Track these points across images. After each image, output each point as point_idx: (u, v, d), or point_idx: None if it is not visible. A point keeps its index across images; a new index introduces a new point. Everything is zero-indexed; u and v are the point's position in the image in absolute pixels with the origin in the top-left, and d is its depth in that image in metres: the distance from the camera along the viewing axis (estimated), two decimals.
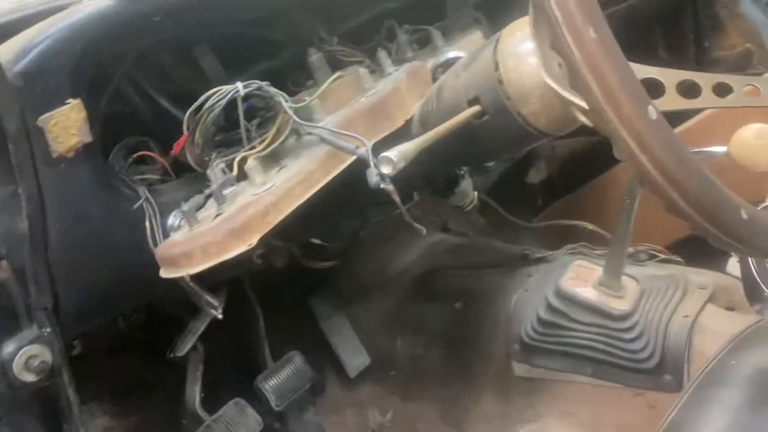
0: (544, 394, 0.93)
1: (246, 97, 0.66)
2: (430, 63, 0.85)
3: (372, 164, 0.60)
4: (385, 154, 0.57)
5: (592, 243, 1.01)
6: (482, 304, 1.00)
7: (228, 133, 0.72)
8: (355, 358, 1.02)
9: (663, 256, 0.97)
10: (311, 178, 0.64)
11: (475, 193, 0.97)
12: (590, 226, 1.00)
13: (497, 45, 0.66)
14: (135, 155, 0.73)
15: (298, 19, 0.83)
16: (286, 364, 0.96)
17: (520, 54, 0.64)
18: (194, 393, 0.89)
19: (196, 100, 0.72)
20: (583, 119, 0.57)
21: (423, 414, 1.00)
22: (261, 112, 0.70)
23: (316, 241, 0.92)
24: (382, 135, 0.70)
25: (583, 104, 0.50)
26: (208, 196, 0.66)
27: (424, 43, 0.91)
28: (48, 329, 0.64)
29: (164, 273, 0.63)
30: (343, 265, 1.03)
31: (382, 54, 0.83)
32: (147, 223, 0.68)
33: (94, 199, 0.65)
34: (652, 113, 0.47)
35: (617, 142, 0.48)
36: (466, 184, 0.94)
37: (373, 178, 0.60)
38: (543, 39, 0.57)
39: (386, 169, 0.57)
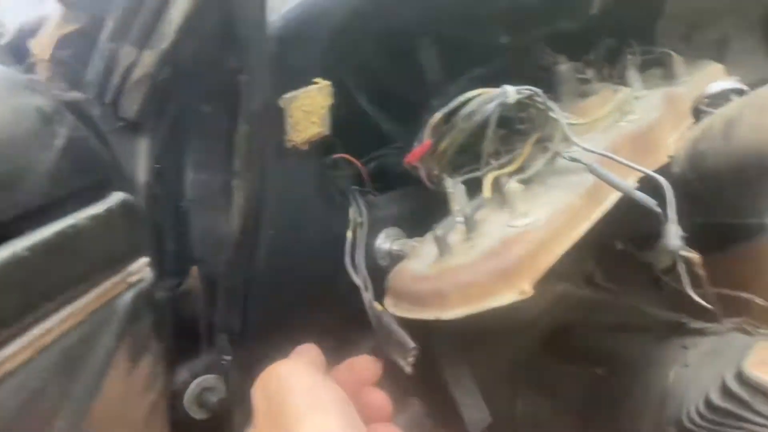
0: None
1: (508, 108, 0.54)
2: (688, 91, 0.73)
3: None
4: None
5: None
6: (630, 374, 0.89)
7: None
8: (475, 412, 0.89)
9: None
10: (580, 215, 0.52)
11: (680, 254, 0.83)
12: (760, 301, 0.89)
13: None
14: (334, 156, 0.60)
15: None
16: (403, 411, 0.83)
17: None
18: None
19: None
20: None
21: None
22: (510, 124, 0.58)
23: None
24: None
25: None
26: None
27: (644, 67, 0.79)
28: (229, 357, 0.51)
29: (400, 310, 0.50)
30: None
31: (632, 73, 0.71)
32: (348, 238, 0.56)
33: (313, 204, 0.52)
34: None
35: None
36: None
37: (673, 240, 0.49)
38: None
39: None
